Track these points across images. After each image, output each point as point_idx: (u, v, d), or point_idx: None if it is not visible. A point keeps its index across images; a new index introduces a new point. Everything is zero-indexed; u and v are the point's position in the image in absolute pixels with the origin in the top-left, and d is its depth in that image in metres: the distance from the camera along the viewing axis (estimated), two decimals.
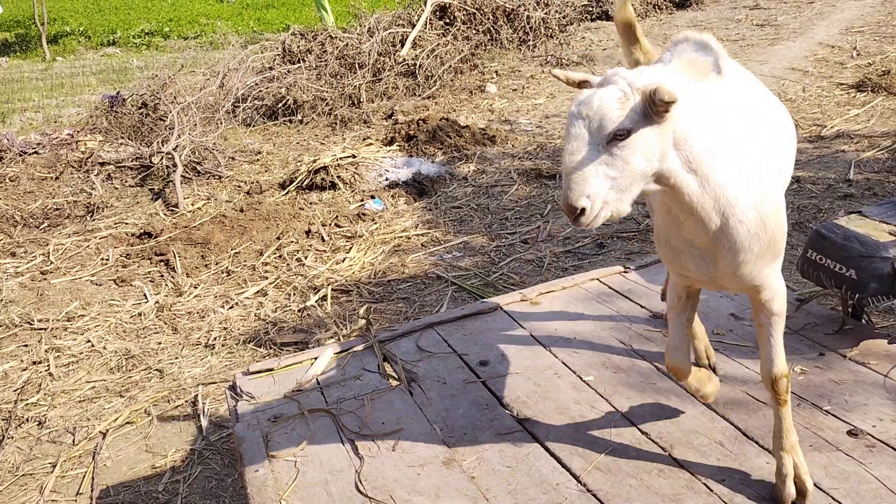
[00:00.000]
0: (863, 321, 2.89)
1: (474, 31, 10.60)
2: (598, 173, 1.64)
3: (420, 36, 9.96)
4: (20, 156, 7.60)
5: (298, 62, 9.50)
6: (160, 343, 4.38)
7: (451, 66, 9.76)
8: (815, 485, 2.05)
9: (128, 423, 3.70)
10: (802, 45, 10.31)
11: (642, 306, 3.16)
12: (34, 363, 4.26)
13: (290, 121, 8.79)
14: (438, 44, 9.89)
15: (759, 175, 1.85)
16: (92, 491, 3.25)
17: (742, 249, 1.86)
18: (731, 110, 1.83)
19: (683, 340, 2.20)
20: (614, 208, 1.69)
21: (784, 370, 2.05)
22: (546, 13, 11.24)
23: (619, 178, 1.66)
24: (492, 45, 10.92)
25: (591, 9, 13.55)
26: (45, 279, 5.27)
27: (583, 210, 1.65)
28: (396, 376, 2.83)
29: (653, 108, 1.63)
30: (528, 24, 11.12)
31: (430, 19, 10.29)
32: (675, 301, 2.18)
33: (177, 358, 4.22)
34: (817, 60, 9.39)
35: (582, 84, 1.76)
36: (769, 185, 1.88)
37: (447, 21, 10.53)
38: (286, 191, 6.51)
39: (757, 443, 2.26)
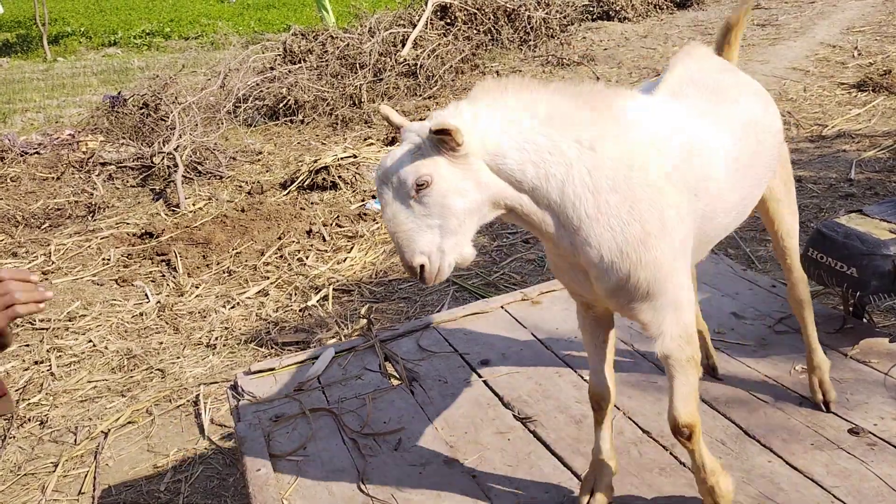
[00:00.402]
0: (864, 320, 2.89)
1: (475, 31, 10.60)
2: (422, 227, 1.62)
3: (421, 36, 9.96)
4: (21, 156, 7.62)
5: (299, 62, 9.51)
6: (161, 343, 4.38)
7: (452, 67, 9.76)
8: (816, 483, 2.05)
9: (129, 422, 3.70)
10: (803, 44, 10.29)
11: None
12: (36, 363, 4.27)
13: (292, 121, 8.79)
14: (439, 44, 9.89)
15: (623, 198, 1.68)
16: (94, 490, 3.25)
17: (602, 274, 1.73)
18: (588, 126, 1.70)
19: (600, 364, 2.02)
20: (456, 253, 1.66)
21: (685, 420, 1.83)
22: (547, 13, 11.25)
23: (444, 223, 1.62)
24: (493, 45, 10.93)
25: (591, 9, 13.53)
26: (46, 279, 5.28)
27: (422, 266, 1.63)
28: (398, 376, 2.83)
29: (441, 144, 1.60)
30: (529, 23, 11.13)
31: (431, 19, 10.29)
32: (581, 322, 2.05)
33: (178, 358, 4.22)
34: (818, 60, 9.38)
35: (399, 129, 1.72)
36: (642, 210, 1.69)
37: (448, 21, 10.54)
38: (287, 191, 6.51)
39: (758, 441, 2.26)
